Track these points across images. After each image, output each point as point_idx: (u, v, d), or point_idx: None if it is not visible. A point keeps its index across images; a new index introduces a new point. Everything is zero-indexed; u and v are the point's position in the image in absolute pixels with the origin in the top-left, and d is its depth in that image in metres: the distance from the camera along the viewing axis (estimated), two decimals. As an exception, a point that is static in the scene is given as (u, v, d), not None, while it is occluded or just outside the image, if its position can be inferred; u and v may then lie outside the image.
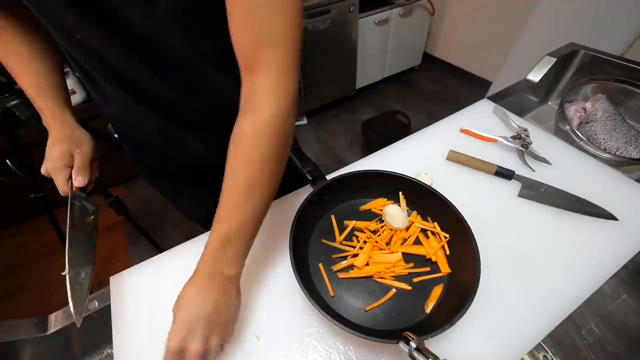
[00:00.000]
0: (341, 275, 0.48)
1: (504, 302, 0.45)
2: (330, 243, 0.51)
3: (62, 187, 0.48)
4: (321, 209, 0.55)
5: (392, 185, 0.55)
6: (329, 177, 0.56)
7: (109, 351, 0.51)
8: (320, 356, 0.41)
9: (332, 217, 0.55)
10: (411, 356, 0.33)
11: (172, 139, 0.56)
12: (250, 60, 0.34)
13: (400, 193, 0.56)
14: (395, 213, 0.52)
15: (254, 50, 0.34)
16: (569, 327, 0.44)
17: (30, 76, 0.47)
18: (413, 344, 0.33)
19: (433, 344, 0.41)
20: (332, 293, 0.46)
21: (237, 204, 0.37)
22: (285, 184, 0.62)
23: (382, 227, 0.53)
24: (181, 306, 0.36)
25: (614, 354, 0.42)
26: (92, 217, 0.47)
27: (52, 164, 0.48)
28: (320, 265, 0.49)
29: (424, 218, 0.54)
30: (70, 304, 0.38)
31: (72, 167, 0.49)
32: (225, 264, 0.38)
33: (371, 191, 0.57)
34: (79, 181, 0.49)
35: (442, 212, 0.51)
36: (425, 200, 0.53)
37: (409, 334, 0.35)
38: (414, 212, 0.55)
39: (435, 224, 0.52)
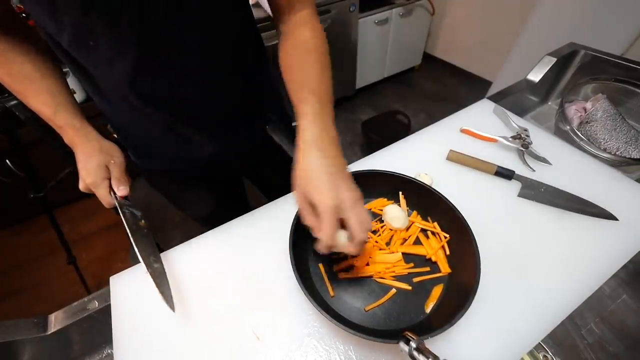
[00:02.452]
0: (342, 275, 0.48)
1: (504, 302, 0.45)
2: None
3: (106, 199, 0.50)
4: None
5: (392, 185, 0.55)
6: (329, 177, 0.56)
7: (109, 351, 0.51)
8: (320, 356, 0.41)
9: None
10: (411, 356, 0.33)
11: (181, 139, 0.57)
12: (291, 3, 0.46)
13: (400, 193, 0.56)
14: (395, 213, 0.52)
15: None
16: (569, 327, 0.44)
17: (42, 94, 0.46)
18: (413, 344, 0.33)
19: (433, 344, 0.41)
20: (332, 293, 0.46)
21: (319, 80, 0.46)
22: (285, 185, 0.62)
23: (382, 227, 0.53)
24: (309, 174, 0.37)
25: (614, 354, 0.42)
26: (142, 221, 0.50)
27: (91, 179, 0.48)
28: (320, 265, 0.49)
29: (424, 218, 0.54)
30: (160, 295, 0.41)
31: (109, 179, 0.50)
32: (328, 125, 0.42)
33: (371, 191, 0.57)
34: (122, 190, 0.50)
35: (442, 212, 0.50)
36: (425, 200, 0.52)
37: (409, 334, 0.35)
38: (414, 212, 0.55)
39: (435, 224, 0.52)
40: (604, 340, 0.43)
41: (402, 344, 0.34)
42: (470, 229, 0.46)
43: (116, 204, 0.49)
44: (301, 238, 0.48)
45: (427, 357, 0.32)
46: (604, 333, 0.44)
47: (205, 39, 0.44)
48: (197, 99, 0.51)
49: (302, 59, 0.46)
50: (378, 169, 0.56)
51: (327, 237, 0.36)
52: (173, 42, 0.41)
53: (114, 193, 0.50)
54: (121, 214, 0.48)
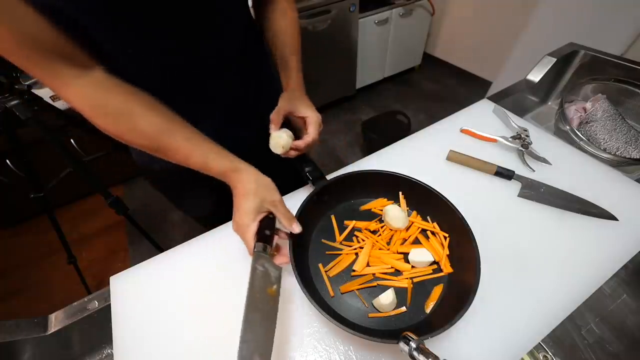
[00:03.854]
0: (343, 288, 0.46)
1: (503, 302, 0.45)
2: (330, 243, 0.51)
3: (250, 245, 0.41)
4: (321, 209, 0.55)
5: (392, 185, 0.55)
6: (329, 177, 0.56)
7: (109, 351, 0.51)
8: (320, 356, 0.41)
9: (332, 217, 0.55)
10: (411, 356, 0.33)
11: None
12: None
13: (400, 193, 0.56)
14: (395, 213, 0.52)
15: None
16: (569, 327, 0.44)
17: (190, 143, 0.43)
18: (413, 344, 0.33)
19: (433, 344, 0.41)
20: (332, 293, 0.46)
21: (298, 48, 0.59)
22: (284, 185, 0.62)
23: (382, 227, 0.53)
24: (299, 99, 0.56)
25: (614, 354, 0.42)
26: (274, 286, 0.37)
27: (243, 221, 0.42)
28: (320, 265, 0.49)
29: (424, 218, 0.54)
30: None
31: (261, 221, 0.43)
32: (302, 76, 0.59)
33: (371, 191, 0.57)
34: (296, 228, 0.44)
35: (442, 212, 0.50)
36: (425, 200, 0.52)
37: (409, 334, 0.35)
38: (414, 212, 0.55)
39: (435, 224, 0.52)
40: (604, 340, 0.43)
41: (402, 344, 0.34)
42: (470, 229, 0.46)
43: (253, 252, 0.40)
44: (302, 238, 0.48)
45: (427, 357, 0.32)
46: (604, 333, 0.43)
47: (231, 31, 0.48)
48: (211, 95, 0.53)
49: (292, 34, 0.58)
50: (378, 169, 0.56)
51: (314, 137, 0.54)
52: (209, 34, 0.44)
53: (268, 239, 0.42)
54: (251, 271, 0.37)
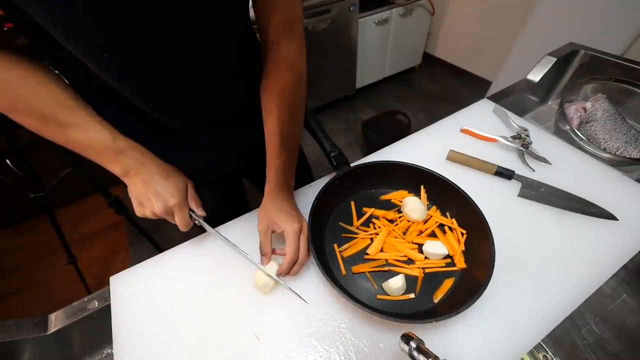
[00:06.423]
0: (355, 269, 0.48)
1: (504, 302, 0.45)
2: (347, 226, 0.53)
3: (188, 223, 0.47)
4: (342, 194, 0.56)
5: (415, 178, 0.56)
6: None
7: (109, 351, 0.51)
8: (320, 356, 0.41)
9: (352, 202, 0.56)
10: (411, 356, 0.33)
11: (184, 143, 0.56)
12: (278, 35, 0.44)
13: (422, 187, 0.56)
14: (415, 205, 0.53)
15: (284, 27, 0.44)
16: (569, 327, 0.44)
17: (90, 122, 0.40)
18: (413, 344, 0.33)
19: (434, 344, 0.41)
20: (344, 272, 0.47)
21: (290, 134, 0.49)
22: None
23: (399, 217, 0.54)
24: (277, 209, 0.49)
25: (614, 354, 0.42)
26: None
27: (176, 200, 0.44)
28: (335, 245, 0.50)
29: (443, 213, 0.54)
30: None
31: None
32: (289, 178, 0.51)
33: (393, 182, 0.58)
34: (201, 210, 0.49)
35: (462, 209, 0.51)
36: (447, 196, 0.53)
37: (410, 333, 0.35)
38: (434, 207, 0.55)
39: (454, 220, 0.53)
40: (604, 340, 0.43)
41: (402, 344, 0.34)
42: (490, 228, 0.46)
43: (202, 223, 0.49)
44: (320, 219, 0.51)
45: (427, 358, 0.32)
46: (604, 333, 0.44)
47: (223, 39, 0.43)
48: (207, 102, 0.50)
49: (282, 111, 0.47)
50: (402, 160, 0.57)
51: (293, 252, 0.46)
52: (200, 44, 0.40)
53: (193, 213, 0.48)
54: (214, 231, 0.50)
